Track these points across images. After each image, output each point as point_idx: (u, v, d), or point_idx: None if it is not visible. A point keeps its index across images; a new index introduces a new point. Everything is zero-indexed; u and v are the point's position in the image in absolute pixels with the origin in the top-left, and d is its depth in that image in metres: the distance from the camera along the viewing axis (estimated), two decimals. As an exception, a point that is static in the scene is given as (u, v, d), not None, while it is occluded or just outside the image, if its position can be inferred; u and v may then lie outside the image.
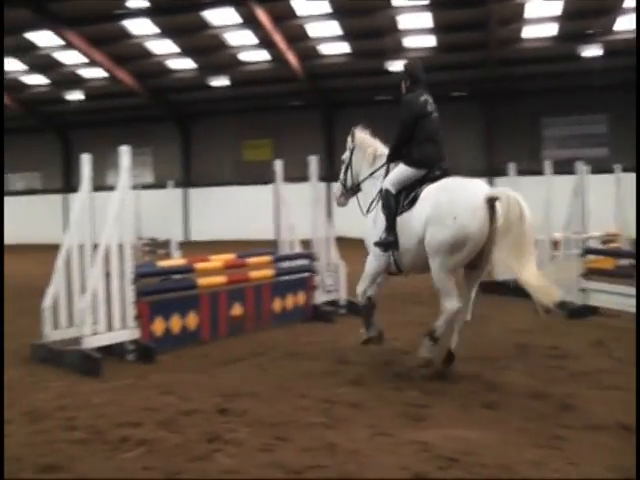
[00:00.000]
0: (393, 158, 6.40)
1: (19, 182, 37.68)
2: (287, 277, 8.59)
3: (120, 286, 6.56)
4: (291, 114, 30.10)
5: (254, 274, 8.16)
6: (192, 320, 7.24)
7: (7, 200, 36.72)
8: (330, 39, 24.64)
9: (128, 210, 6.76)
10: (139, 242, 12.29)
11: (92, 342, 6.30)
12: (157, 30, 24.56)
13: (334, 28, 23.75)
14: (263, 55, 26.12)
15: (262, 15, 22.08)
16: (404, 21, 23.01)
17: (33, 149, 36.01)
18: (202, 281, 7.55)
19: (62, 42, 25.45)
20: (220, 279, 7.70)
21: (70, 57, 27.12)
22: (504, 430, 4.35)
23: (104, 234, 6.52)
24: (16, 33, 25.05)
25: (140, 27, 24.33)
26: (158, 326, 6.90)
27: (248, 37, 24.68)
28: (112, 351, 6.56)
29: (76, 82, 29.46)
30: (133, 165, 6.83)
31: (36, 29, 24.71)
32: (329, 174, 27.13)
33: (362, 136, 6.85)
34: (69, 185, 34.04)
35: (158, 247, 15.25)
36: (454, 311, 5.61)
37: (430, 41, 24.34)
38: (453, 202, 5.55)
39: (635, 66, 19.32)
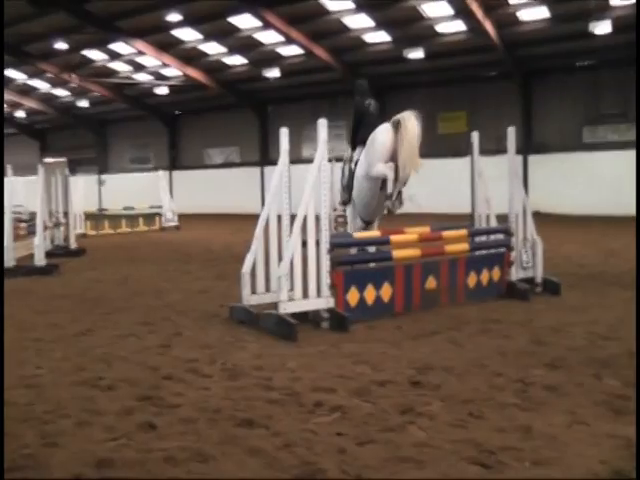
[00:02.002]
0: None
1: (219, 156, 39.84)
2: (482, 252, 8.37)
3: (316, 255, 6.69)
4: (487, 85, 29.24)
5: (449, 247, 8.01)
6: (386, 291, 7.24)
7: (208, 173, 39.07)
8: (529, 4, 23.52)
9: (325, 182, 6.87)
10: (333, 213, 12.45)
11: (288, 308, 6.49)
12: (352, 5, 24.75)
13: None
14: (459, 26, 25.52)
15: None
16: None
17: (232, 125, 37.87)
18: (397, 253, 7.52)
19: (261, 23, 26.44)
20: (415, 252, 7.63)
21: (268, 37, 28.12)
22: None
23: (301, 204, 6.68)
24: (219, 18, 26.41)
25: (336, 3, 24.64)
26: (352, 296, 6.97)
27: (444, 8, 24.29)
28: (307, 318, 6.75)
29: (273, 60, 30.46)
30: (329, 138, 6.91)
31: (238, 13, 25.87)
32: (525, 146, 26.17)
33: None
34: (266, 158, 35.46)
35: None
36: None
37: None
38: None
39: None
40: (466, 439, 3.74)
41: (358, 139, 9.21)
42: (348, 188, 9.34)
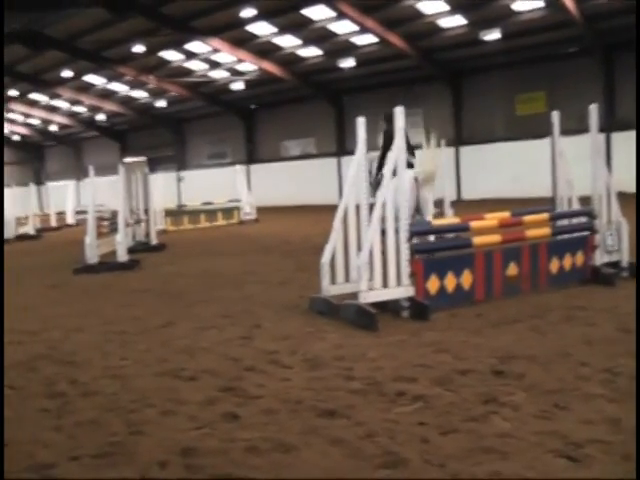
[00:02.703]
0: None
1: (295, 148, 40.11)
2: (565, 236, 8.12)
3: (395, 244, 6.64)
4: (566, 62, 28.41)
5: (530, 232, 7.80)
6: (466, 279, 7.11)
7: (285, 165, 39.37)
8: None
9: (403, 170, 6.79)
10: (411, 201, 12.43)
11: (368, 297, 6.46)
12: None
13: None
14: (536, 2, 24.83)
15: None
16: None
17: (307, 116, 38.08)
18: (477, 240, 7.38)
19: (335, 13, 26.41)
20: (495, 238, 7.47)
21: (342, 27, 28.07)
22: None
23: (380, 193, 6.63)
24: (293, 11, 26.54)
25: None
26: (432, 284, 6.88)
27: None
28: (386, 307, 6.70)
29: (348, 50, 30.41)
30: (405, 125, 6.83)
31: (312, 4, 25.92)
32: (608, 123, 25.28)
33: None
34: (342, 148, 35.47)
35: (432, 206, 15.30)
36: None
37: None
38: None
39: None
40: (551, 431, 3.63)
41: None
42: (374, 189, 9.56)
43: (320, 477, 3.24)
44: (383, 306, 6.64)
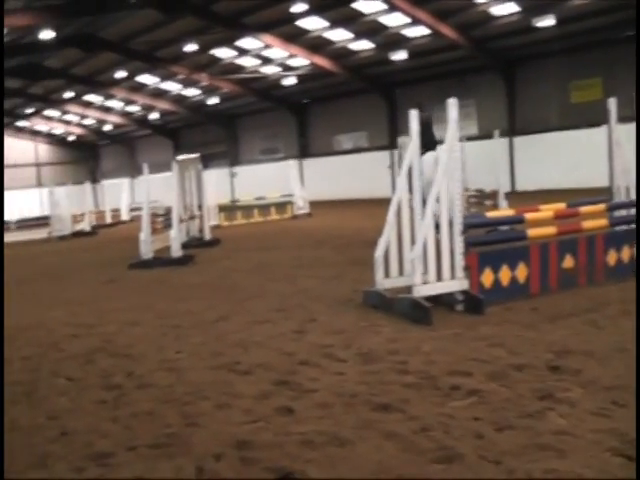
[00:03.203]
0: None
1: (348, 142, 40.07)
2: (623, 227, 7.92)
3: (449, 237, 6.58)
4: (623, 47, 27.54)
5: (587, 224, 7.64)
6: (521, 272, 7.00)
7: (337, 159, 39.37)
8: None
9: (456, 162, 6.73)
10: (465, 193, 12.26)
11: (422, 291, 6.42)
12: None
13: None
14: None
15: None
16: None
17: (359, 110, 37.99)
18: (532, 232, 7.27)
19: (386, 6, 26.27)
20: (550, 230, 7.34)
21: (394, 19, 27.91)
22: None
23: (434, 186, 6.58)
24: (344, 4, 26.49)
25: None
26: (487, 277, 6.80)
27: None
28: (440, 301, 6.65)
29: (400, 42, 30.21)
30: (458, 117, 6.76)
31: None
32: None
33: None
34: (395, 141, 35.27)
35: (484, 198, 15.15)
36: None
37: None
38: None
39: None
40: (609, 429, 3.55)
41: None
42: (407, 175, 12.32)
43: (375, 471, 3.24)
44: (437, 300, 6.59)
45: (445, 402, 4.08)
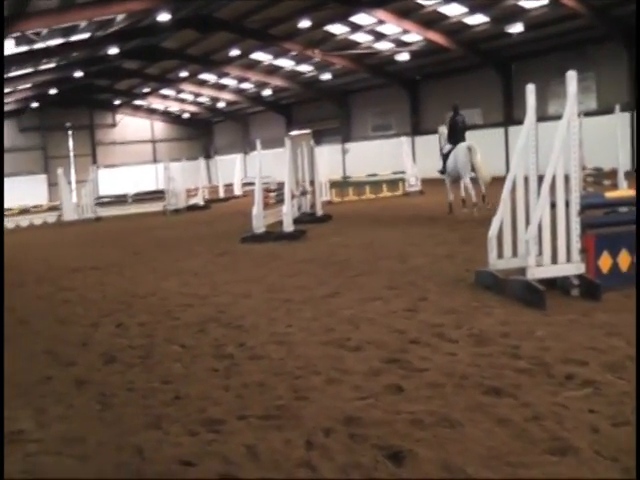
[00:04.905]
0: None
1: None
2: None
3: (566, 217, 6.34)
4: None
5: None
6: (642, 257, 6.67)
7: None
8: None
9: (574, 139, 6.46)
10: (582, 172, 11.78)
11: (536, 273, 6.24)
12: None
13: None
14: None
15: None
16: None
17: (473, 86, 37.01)
18: (655, 214, 6.90)
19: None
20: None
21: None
22: None
23: (550, 164, 6.34)
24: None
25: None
26: (605, 262, 6.51)
27: None
28: (555, 284, 6.44)
29: (516, 15, 29.21)
30: (577, 91, 6.49)
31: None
32: None
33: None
34: (510, 118, 34.30)
35: (603, 177, 14.51)
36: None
37: None
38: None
39: None
40: None
41: (450, 139, 15.74)
42: (443, 161, 15.49)
43: (485, 456, 3.18)
44: (551, 283, 6.39)
45: (559, 391, 3.96)
